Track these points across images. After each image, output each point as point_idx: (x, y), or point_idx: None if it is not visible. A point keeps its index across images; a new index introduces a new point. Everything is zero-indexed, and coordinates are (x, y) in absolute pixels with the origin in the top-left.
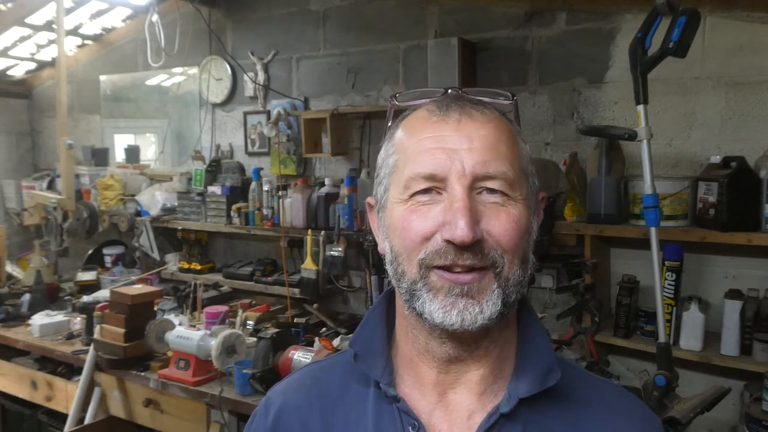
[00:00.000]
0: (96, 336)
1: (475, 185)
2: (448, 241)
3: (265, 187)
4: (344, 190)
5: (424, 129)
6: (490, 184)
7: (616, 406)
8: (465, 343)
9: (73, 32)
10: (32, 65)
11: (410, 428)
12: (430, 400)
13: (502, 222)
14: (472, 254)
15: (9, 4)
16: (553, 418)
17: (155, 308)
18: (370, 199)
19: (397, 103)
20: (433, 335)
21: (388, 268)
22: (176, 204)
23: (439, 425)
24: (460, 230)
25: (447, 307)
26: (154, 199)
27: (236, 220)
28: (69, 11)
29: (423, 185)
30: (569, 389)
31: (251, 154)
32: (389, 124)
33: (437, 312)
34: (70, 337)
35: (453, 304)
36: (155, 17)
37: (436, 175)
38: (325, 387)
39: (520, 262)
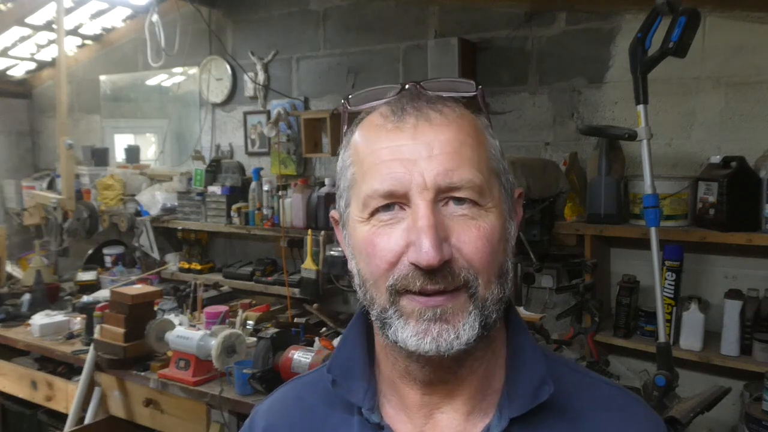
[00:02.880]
0: (96, 336)
1: (439, 196)
2: (415, 264)
3: (265, 187)
4: None
5: (379, 138)
6: (457, 194)
7: (618, 411)
8: (446, 366)
9: (73, 32)
10: (32, 65)
11: None
12: (416, 423)
13: (473, 238)
14: (441, 278)
15: (9, 4)
16: None
17: (155, 308)
18: (333, 213)
19: (350, 107)
20: (412, 359)
21: (358, 291)
22: (176, 204)
23: None
24: (425, 253)
25: (420, 334)
26: (154, 199)
27: (236, 220)
28: (69, 11)
29: (382, 203)
30: (566, 399)
31: (251, 154)
32: (345, 129)
33: (410, 339)
34: (70, 337)
35: (426, 330)
36: (155, 17)
37: (396, 191)
38: (309, 409)
39: (496, 278)
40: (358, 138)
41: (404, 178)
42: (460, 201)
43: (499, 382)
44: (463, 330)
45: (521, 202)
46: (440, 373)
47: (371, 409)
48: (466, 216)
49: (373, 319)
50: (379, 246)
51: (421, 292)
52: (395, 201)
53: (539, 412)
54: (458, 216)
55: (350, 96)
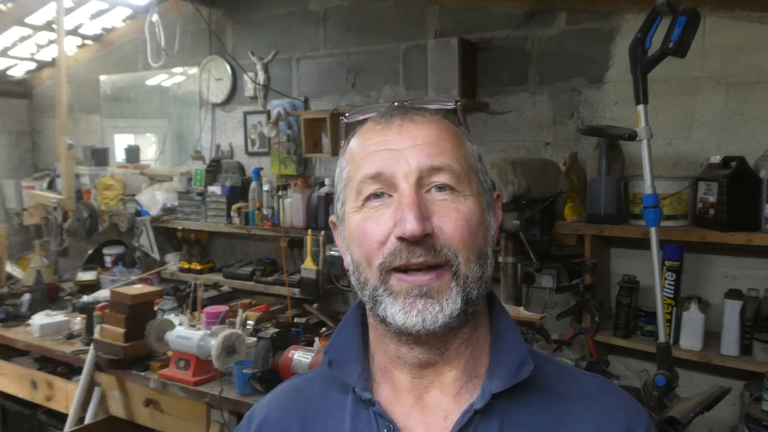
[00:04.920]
0: (96, 336)
1: (422, 182)
2: (401, 239)
3: (265, 187)
4: None
5: (370, 137)
6: (437, 178)
7: (599, 398)
8: (434, 347)
9: (73, 32)
10: (32, 65)
11: (385, 430)
12: (406, 403)
13: (452, 219)
14: (424, 250)
15: (9, 4)
16: (531, 413)
17: (155, 308)
18: (332, 218)
19: (346, 121)
20: (401, 342)
21: (352, 279)
22: (176, 204)
23: (415, 428)
24: (409, 224)
25: (407, 309)
26: (154, 199)
27: (236, 220)
28: (69, 11)
29: (373, 186)
30: (549, 383)
31: (251, 154)
32: (342, 141)
33: (398, 315)
34: (70, 337)
35: (412, 305)
36: (155, 17)
37: (383, 173)
38: (307, 397)
39: (476, 258)
40: (353, 144)
41: (391, 163)
42: (441, 188)
43: (483, 366)
44: (446, 304)
45: (500, 204)
46: (428, 356)
47: (364, 387)
48: (446, 201)
49: (365, 300)
50: (370, 229)
51: (407, 267)
52: (383, 188)
53: (523, 391)
54: (439, 200)
55: (346, 114)
